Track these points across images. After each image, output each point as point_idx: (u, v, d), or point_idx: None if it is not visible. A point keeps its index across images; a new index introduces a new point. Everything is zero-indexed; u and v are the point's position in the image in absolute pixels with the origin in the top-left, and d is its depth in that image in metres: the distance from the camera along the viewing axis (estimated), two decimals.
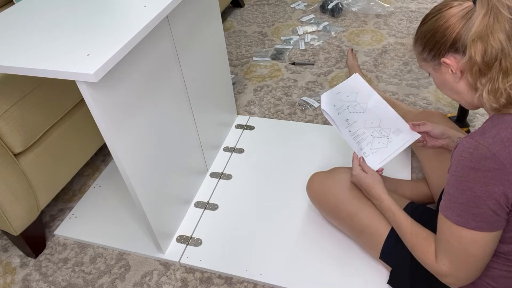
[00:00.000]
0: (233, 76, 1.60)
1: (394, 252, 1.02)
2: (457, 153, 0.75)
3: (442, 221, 0.79)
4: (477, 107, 0.85)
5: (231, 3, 2.54)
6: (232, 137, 1.61)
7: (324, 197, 1.15)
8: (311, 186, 1.19)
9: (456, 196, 0.75)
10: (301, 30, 2.26)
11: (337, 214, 1.13)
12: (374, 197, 1.03)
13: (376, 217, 1.05)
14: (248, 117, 1.70)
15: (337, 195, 1.12)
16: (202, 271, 1.20)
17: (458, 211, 0.75)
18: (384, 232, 1.03)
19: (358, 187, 1.09)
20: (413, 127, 1.13)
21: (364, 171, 1.06)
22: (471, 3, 0.76)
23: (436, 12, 0.82)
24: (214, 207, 1.35)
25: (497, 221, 0.73)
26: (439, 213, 0.80)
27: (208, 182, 1.44)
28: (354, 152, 1.11)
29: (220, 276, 1.18)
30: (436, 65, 0.84)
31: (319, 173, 1.20)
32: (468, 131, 1.46)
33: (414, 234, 0.91)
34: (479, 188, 0.72)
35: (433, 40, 0.81)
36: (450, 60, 0.80)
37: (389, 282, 1.05)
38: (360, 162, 1.09)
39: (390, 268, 1.05)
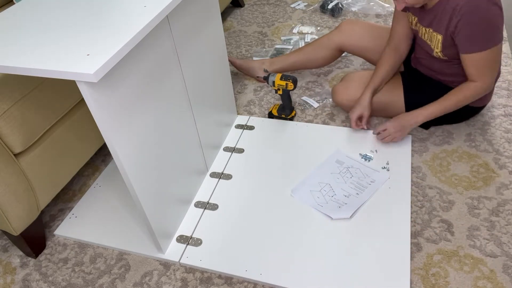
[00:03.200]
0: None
1: (414, 103, 1.45)
2: (470, 8, 1.14)
3: (470, 58, 1.23)
4: None
5: (231, 3, 2.53)
6: (232, 137, 1.61)
7: (351, 102, 1.55)
8: (336, 97, 1.60)
9: (479, 30, 1.17)
10: (296, 29, 2.26)
11: None
12: (418, 122, 1.39)
13: (391, 93, 1.50)
14: (248, 117, 1.70)
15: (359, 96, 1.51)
16: (202, 271, 1.20)
17: (485, 40, 1.18)
18: (401, 95, 1.49)
19: (404, 130, 1.43)
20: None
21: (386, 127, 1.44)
22: None
23: None
24: (214, 207, 1.35)
25: (501, 32, 1.20)
26: (464, 57, 1.24)
27: (208, 182, 1.44)
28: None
29: (220, 276, 1.18)
30: None
31: (339, 85, 1.60)
32: None
33: (457, 98, 1.31)
34: (494, 12, 1.15)
35: None
36: None
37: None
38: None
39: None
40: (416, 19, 1.37)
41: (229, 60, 1.88)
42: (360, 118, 1.51)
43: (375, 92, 1.51)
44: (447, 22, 1.22)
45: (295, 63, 1.81)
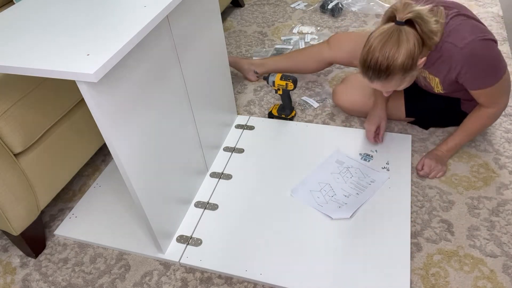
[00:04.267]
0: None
1: (414, 108, 1.49)
2: (467, 57, 1.14)
3: (479, 93, 1.23)
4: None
5: (231, 3, 2.53)
6: (232, 137, 1.61)
7: (351, 104, 1.57)
8: (337, 98, 1.60)
9: (482, 70, 1.17)
10: (296, 29, 2.26)
11: (365, 111, 1.54)
12: (451, 153, 1.40)
13: (391, 98, 1.49)
14: (248, 117, 1.70)
15: (360, 99, 1.54)
16: (202, 271, 1.20)
17: (492, 75, 1.19)
18: (401, 101, 1.49)
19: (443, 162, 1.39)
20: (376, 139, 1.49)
21: (424, 166, 1.38)
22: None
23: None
24: (214, 207, 1.35)
25: (504, 62, 1.21)
26: (474, 92, 1.23)
27: (208, 182, 1.44)
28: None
29: (220, 276, 1.18)
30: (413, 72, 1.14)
31: (339, 87, 1.60)
32: None
33: (476, 126, 1.33)
34: (491, 48, 1.15)
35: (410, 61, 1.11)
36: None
37: (411, 122, 1.54)
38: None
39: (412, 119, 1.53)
40: None
41: None
42: (377, 129, 1.48)
43: (387, 99, 1.50)
44: (447, 71, 1.21)
45: (285, 69, 1.81)
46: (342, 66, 1.94)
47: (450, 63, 1.18)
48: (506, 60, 1.82)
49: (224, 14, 2.52)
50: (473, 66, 1.16)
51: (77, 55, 0.81)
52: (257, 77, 1.89)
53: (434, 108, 1.45)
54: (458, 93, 1.36)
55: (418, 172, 1.38)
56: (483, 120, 1.32)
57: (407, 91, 1.48)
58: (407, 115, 1.50)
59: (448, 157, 1.39)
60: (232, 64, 1.90)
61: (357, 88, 1.54)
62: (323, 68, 1.77)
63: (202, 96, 1.34)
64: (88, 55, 0.81)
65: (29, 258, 1.30)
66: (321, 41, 2.14)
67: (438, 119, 1.50)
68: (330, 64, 1.73)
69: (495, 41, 1.17)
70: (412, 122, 1.56)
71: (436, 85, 1.30)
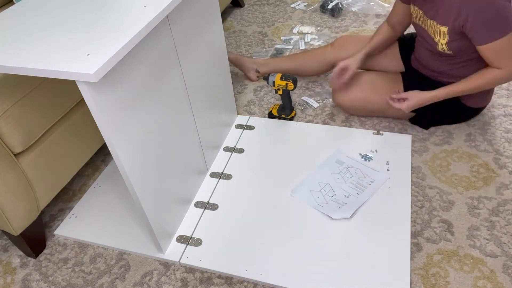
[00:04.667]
0: None
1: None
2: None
3: (486, 48, 1.21)
4: None
5: (231, 3, 2.53)
6: (232, 137, 1.61)
7: (350, 102, 1.57)
8: (337, 98, 1.59)
9: (489, 19, 1.16)
10: (296, 29, 2.26)
11: (365, 108, 1.57)
12: (432, 100, 1.37)
13: (392, 91, 1.48)
14: (248, 117, 1.70)
15: (360, 96, 1.54)
16: (202, 271, 1.20)
17: (498, 28, 1.17)
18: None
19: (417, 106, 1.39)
20: (393, 102, 1.45)
21: (403, 99, 1.39)
22: None
23: None
24: (214, 207, 1.35)
25: None
26: (481, 48, 1.22)
27: (208, 182, 1.44)
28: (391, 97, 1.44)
29: (220, 276, 1.18)
30: None
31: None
32: None
33: (479, 82, 1.29)
34: (503, 3, 1.14)
35: None
36: None
37: (412, 120, 1.56)
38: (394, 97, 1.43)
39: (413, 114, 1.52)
40: (421, 12, 1.36)
41: None
42: (344, 70, 1.52)
43: (368, 54, 1.55)
44: (455, 15, 1.21)
45: (287, 71, 1.82)
46: None
47: (461, 4, 1.18)
48: None
49: (224, 14, 2.52)
50: (482, 11, 1.15)
51: (77, 55, 0.81)
52: (257, 77, 1.89)
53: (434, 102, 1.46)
54: (455, 67, 1.37)
55: (394, 98, 1.42)
56: (487, 76, 1.27)
57: (407, 84, 1.49)
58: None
59: (431, 100, 1.37)
60: (234, 62, 1.89)
61: (356, 86, 1.54)
62: (326, 70, 1.78)
63: (202, 96, 1.34)
64: (88, 55, 0.81)
65: (29, 258, 1.30)
66: (321, 41, 2.14)
67: (438, 112, 1.50)
68: (333, 66, 1.73)
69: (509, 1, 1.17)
70: (412, 120, 1.56)
71: (442, 37, 1.30)
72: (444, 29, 1.28)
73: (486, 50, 1.23)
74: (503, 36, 1.18)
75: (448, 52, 1.33)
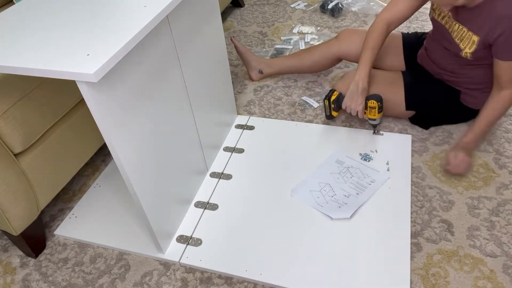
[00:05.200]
0: None
1: (414, 102, 1.49)
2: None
3: (505, 65, 1.22)
4: None
5: (231, 3, 2.53)
6: (232, 137, 1.61)
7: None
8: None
9: None
10: (296, 29, 2.26)
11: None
12: (473, 144, 1.36)
13: (391, 92, 1.49)
14: (248, 117, 1.70)
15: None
16: (202, 271, 1.20)
17: None
18: (401, 94, 1.49)
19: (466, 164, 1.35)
20: None
21: (452, 160, 1.34)
22: None
23: None
24: (214, 207, 1.35)
25: None
26: (501, 63, 1.23)
27: (208, 182, 1.44)
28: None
29: (220, 276, 1.18)
30: None
31: (338, 84, 1.55)
32: None
33: (491, 113, 1.31)
34: None
35: None
36: None
37: (412, 120, 1.56)
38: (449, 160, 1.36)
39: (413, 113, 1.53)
40: (449, 13, 1.32)
41: (233, 42, 1.88)
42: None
43: (370, 67, 1.47)
44: (490, 27, 1.19)
45: (292, 68, 1.83)
46: (342, 66, 1.94)
47: (500, 18, 1.17)
48: None
49: (224, 14, 2.52)
50: None
51: (77, 55, 0.81)
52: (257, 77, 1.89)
53: (434, 99, 1.46)
54: (469, 69, 1.36)
55: (447, 168, 1.34)
56: (502, 104, 1.29)
57: (407, 83, 1.49)
58: (407, 108, 1.50)
59: (471, 149, 1.36)
60: (242, 55, 1.88)
61: None
62: (331, 65, 1.77)
63: (202, 96, 1.34)
64: (88, 55, 0.81)
65: (29, 258, 1.30)
66: (321, 41, 2.14)
67: (438, 113, 1.50)
68: (338, 59, 1.73)
69: None
70: (412, 120, 1.56)
71: (469, 46, 1.28)
72: (475, 38, 1.25)
73: (504, 66, 1.23)
74: None
75: (469, 59, 1.32)
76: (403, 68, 1.61)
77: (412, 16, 2.24)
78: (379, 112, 1.46)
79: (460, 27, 1.28)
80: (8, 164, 1.11)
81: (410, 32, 1.65)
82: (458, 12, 1.28)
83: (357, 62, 1.71)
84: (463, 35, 1.28)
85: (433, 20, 1.42)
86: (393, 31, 1.63)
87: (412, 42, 1.59)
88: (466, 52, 1.30)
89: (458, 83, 1.43)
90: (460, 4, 1.18)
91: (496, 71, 1.26)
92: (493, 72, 1.28)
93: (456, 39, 1.31)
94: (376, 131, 1.54)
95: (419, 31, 2.10)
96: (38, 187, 1.21)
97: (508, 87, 1.27)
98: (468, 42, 1.28)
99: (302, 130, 1.60)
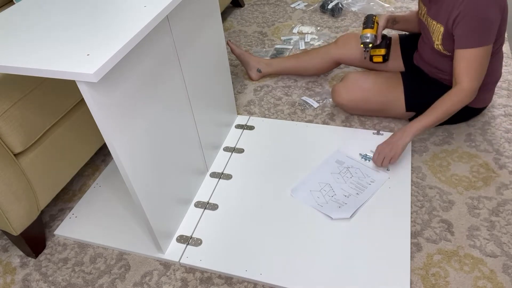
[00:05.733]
0: None
1: (414, 102, 1.49)
2: (469, 1, 1.16)
3: (462, 53, 1.22)
4: None
5: (231, 3, 2.53)
6: (232, 137, 1.61)
7: (350, 101, 1.55)
8: (336, 97, 1.57)
9: (474, 26, 1.17)
10: (296, 29, 2.26)
11: (364, 108, 1.56)
12: (412, 136, 1.32)
13: (391, 93, 1.50)
14: (248, 117, 1.70)
15: (359, 95, 1.53)
16: (202, 271, 1.20)
17: (478, 37, 1.19)
18: (401, 95, 1.49)
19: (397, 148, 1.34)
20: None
21: (383, 149, 1.36)
22: None
23: None
24: (214, 207, 1.35)
25: (494, 34, 1.21)
26: (457, 52, 1.24)
27: (208, 182, 1.44)
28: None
29: (220, 276, 1.18)
30: None
31: (338, 85, 1.57)
32: None
33: (445, 107, 1.28)
34: (493, 12, 1.16)
35: None
36: None
37: (411, 120, 1.49)
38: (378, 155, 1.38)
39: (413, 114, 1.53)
40: (425, 9, 1.38)
41: (229, 45, 1.88)
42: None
43: (394, 20, 1.53)
44: (449, 14, 1.24)
45: (290, 70, 1.84)
46: (342, 66, 1.94)
47: (455, 3, 1.21)
48: (506, 60, 1.82)
49: (224, 14, 2.52)
50: (470, 16, 1.18)
51: (77, 55, 0.81)
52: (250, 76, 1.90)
53: (433, 100, 1.46)
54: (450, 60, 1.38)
55: (373, 159, 1.39)
56: (451, 98, 1.27)
57: (406, 84, 1.49)
58: (407, 109, 1.51)
59: (405, 140, 1.32)
60: (239, 57, 1.89)
61: (356, 85, 1.54)
62: (329, 69, 1.78)
63: (202, 96, 1.34)
64: (88, 55, 0.81)
65: (29, 258, 1.30)
66: (321, 41, 2.14)
67: None
68: (337, 63, 1.74)
69: (502, 10, 1.20)
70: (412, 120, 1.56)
71: (437, 37, 1.32)
72: (441, 28, 1.30)
73: (459, 55, 1.25)
74: (479, 46, 1.21)
75: (444, 52, 1.35)
76: (402, 68, 1.61)
77: None
78: (364, 28, 1.50)
79: (431, 20, 1.34)
80: (8, 164, 1.11)
81: (406, 33, 1.66)
82: (430, 7, 1.34)
83: (355, 66, 1.72)
84: (434, 28, 1.33)
85: (419, 20, 1.48)
86: (391, 32, 1.65)
87: (409, 43, 1.59)
88: (437, 45, 1.34)
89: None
90: None
91: (454, 63, 1.28)
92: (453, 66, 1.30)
93: (431, 33, 1.36)
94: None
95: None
96: (38, 187, 1.21)
97: (460, 80, 1.26)
98: (437, 34, 1.33)
99: (302, 130, 1.60)
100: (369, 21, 1.49)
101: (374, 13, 1.49)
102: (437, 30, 1.32)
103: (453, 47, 1.31)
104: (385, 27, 1.52)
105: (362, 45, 1.50)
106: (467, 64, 1.25)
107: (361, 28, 2.21)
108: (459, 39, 1.24)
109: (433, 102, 1.47)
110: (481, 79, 1.27)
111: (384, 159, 1.35)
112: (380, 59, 1.56)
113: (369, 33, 1.48)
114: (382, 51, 1.54)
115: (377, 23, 1.50)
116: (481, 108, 1.50)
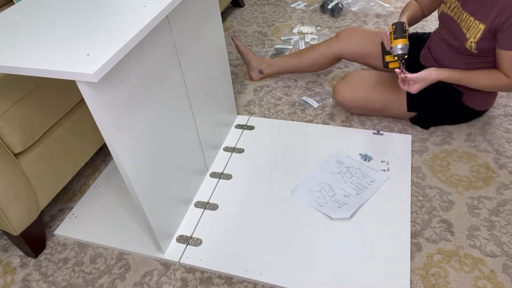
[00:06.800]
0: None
1: (415, 102, 1.49)
2: None
3: (507, 55, 1.23)
4: None
5: (231, 3, 2.54)
6: (232, 137, 1.61)
7: (351, 100, 1.55)
8: (337, 95, 1.57)
9: None
10: (296, 29, 2.26)
11: (365, 106, 1.56)
12: (443, 79, 1.33)
13: (393, 92, 1.50)
14: (248, 117, 1.70)
15: (361, 94, 1.53)
16: (202, 271, 1.20)
17: None
18: (403, 95, 1.48)
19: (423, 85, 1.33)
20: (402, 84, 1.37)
21: (411, 79, 1.32)
22: None
23: None
24: (214, 207, 1.35)
25: None
26: (503, 52, 1.24)
27: (208, 182, 1.44)
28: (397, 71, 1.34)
29: (220, 276, 1.18)
30: None
31: (340, 83, 1.58)
32: None
33: (484, 82, 1.30)
34: None
35: None
36: None
37: (412, 121, 1.57)
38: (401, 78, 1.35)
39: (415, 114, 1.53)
40: (457, 3, 1.33)
41: (234, 41, 1.88)
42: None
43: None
44: (496, 13, 1.21)
45: (292, 67, 1.83)
46: (342, 66, 1.94)
47: (506, 4, 1.18)
48: None
49: (224, 14, 2.52)
50: None
51: (77, 55, 0.81)
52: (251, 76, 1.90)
53: (435, 101, 1.46)
54: (472, 66, 1.35)
55: (401, 83, 1.33)
56: (493, 79, 1.29)
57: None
58: (409, 109, 1.51)
59: (432, 81, 1.32)
60: (243, 55, 1.88)
61: (357, 83, 1.54)
62: (331, 64, 1.78)
63: (202, 96, 1.34)
64: (88, 55, 0.81)
65: (29, 258, 1.30)
66: (322, 41, 2.14)
67: (439, 113, 1.50)
68: (338, 58, 1.74)
69: None
70: (413, 120, 1.56)
71: (474, 35, 1.28)
72: (481, 26, 1.26)
73: (506, 55, 1.24)
74: None
75: (474, 51, 1.31)
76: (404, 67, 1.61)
77: None
78: (395, 39, 1.32)
79: (468, 16, 1.29)
80: (8, 164, 1.11)
81: (411, 32, 1.65)
82: (467, 2, 1.29)
83: (356, 61, 1.71)
84: (470, 24, 1.29)
85: (441, 15, 1.41)
86: None
87: (413, 42, 1.59)
88: (471, 42, 1.30)
89: (459, 84, 1.42)
90: None
91: (498, 59, 1.27)
92: (496, 61, 1.29)
93: (463, 29, 1.31)
94: (400, 63, 1.37)
95: (419, 31, 2.11)
96: (38, 187, 1.21)
97: (508, 74, 1.27)
98: (474, 31, 1.28)
99: (302, 130, 1.60)
100: (400, 29, 1.33)
101: (401, 21, 1.35)
102: (474, 27, 1.27)
103: (487, 47, 1.28)
104: None
105: (395, 57, 1.35)
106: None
107: (361, 27, 2.21)
108: (506, 40, 1.22)
109: (435, 103, 1.47)
110: None
111: (411, 84, 1.32)
112: (396, 64, 1.41)
113: (401, 44, 1.31)
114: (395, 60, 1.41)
115: (408, 31, 1.35)
116: (483, 111, 1.50)
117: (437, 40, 1.46)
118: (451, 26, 1.37)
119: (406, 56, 1.33)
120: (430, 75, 1.32)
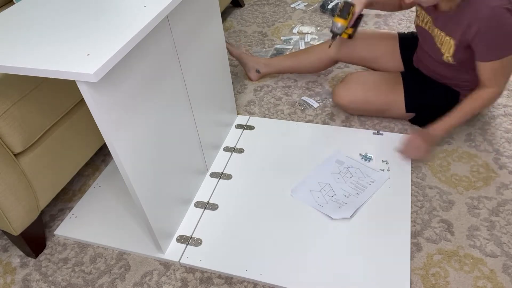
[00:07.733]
0: None
1: (414, 104, 1.50)
2: (491, 17, 1.14)
3: (487, 65, 1.24)
4: None
5: (231, 3, 2.53)
6: (232, 137, 1.61)
7: (350, 102, 1.55)
8: (337, 98, 1.58)
9: (498, 41, 1.18)
10: (296, 29, 2.26)
11: (365, 108, 1.56)
12: (444, 134, 1.38)
13: (391, 94, 1.50)
14: (248, 117, 1.70)
15: (360, 96, 1.54)
16: (202, 271, 1.20)
17: (503, 49, 1.20)
18: (401, 97, 1.49)
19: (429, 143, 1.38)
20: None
21: (414, 142, 1.37)
22: None
23: None
24: (214, 207, 1.35)
25: None
26: (481, 64, 1.25)
27: (208, 182, 1.44)
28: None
29: (220, 276, 1.18)
30: None
31: (339, 86, 1.58)
32: None
33: (473, 107, 1.32)
34: None
35: None
36: None
37: (411, 121, 1.57)
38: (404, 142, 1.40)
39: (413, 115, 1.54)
40: (429, 18, 1.35)
41: (226, 47, 1.88)
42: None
43: (370, 4, 1.48)
44: (465, 28, 1.21)
45: (289, 68, 1.84)
46: (342, 66, 1.94)
47: (472, 20, 1.19)
48: None
49: (224, 14, 2.52)
50: (493, 30, 1.17)
51: (77, 55, 0.81)
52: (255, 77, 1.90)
53: (434, 101, 1.46)
54: (458, 72, 1.37)
55: (400, 150, 1.41)
56: (480, 100, 1.32)
57: (407, 85, 1.49)
58: (407, 110, 1.51)
59: (437, 136, 1.37)
60: (238, 58, 1.89)
61: (357, 85, 1.54)
62: (327, 67, 1.78)
63: (202, 96, 1.34)
64: (88, 55, 0.81)
65: (29, 258, 1.30)
66: (321, 41, 2.14)
67: (437, 112, 1.50)
68: (335, 61, 1.74)
69: None
70: (412, 121, 1.56)
71: (448, 50, 1.31)
72: (452, 42, 1.28)
73: (484, 67, 1.25)
74: (505, 57, 1.21)
75: (452, 63, 1.34)
76: (401, 68, 1.61)
77: (411, 16, 2.24)
78: (338, 16, 1.42)
79: (439, 32, 1.31)
80: (8, 164, 1.11)
81: (406, 32, 1.65)
82: (436, 17, 1.31)
83: (354, 64, 1.71)
84: (442, 40, 1.31)
85: (417, 28, 1.45)
86: (389, 31, 1.64)
87: (409, 42, 1.59)
88: (447, 56, 1.33)
89: (456, 85, 1.43)
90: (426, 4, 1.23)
91: (477, 71, 1.29)
92: (477, 72, 1.30)
93: (438, 44, 1.34)
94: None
95: (415, 31, 2.11)
96: (38, 187, 1.21)
97: (488, 85, 1.29)
98: (447, 46, 1.31)
99: (302, 130, 1.60)
100: (345, 11, 1.42)
101: (352, 2, 1.42)
102: (446, 43, 1.30)
103: (464, 57, 1.30)
104: (360, 13, 1.46)
105: (330, 32, 1.47)
106: (493, 75, 1.26)
107: (360, 28, 2.21)
108: (482, 53, 1.23)
109: (433, 103, 1.47)
110: (508, 80, 1.29)
111: (412, 155, 1.39)
112: (345, 36, 1.54)
113: (340, 23, 1.43)
114: (350, 30, 1.52)
115: (353, 14, 1.43)
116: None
117: (421, 50, 1.49)
118: (428, 40, 1.40)
119: (338, 36, 1.47)
120: (421, 140, 1.36)
